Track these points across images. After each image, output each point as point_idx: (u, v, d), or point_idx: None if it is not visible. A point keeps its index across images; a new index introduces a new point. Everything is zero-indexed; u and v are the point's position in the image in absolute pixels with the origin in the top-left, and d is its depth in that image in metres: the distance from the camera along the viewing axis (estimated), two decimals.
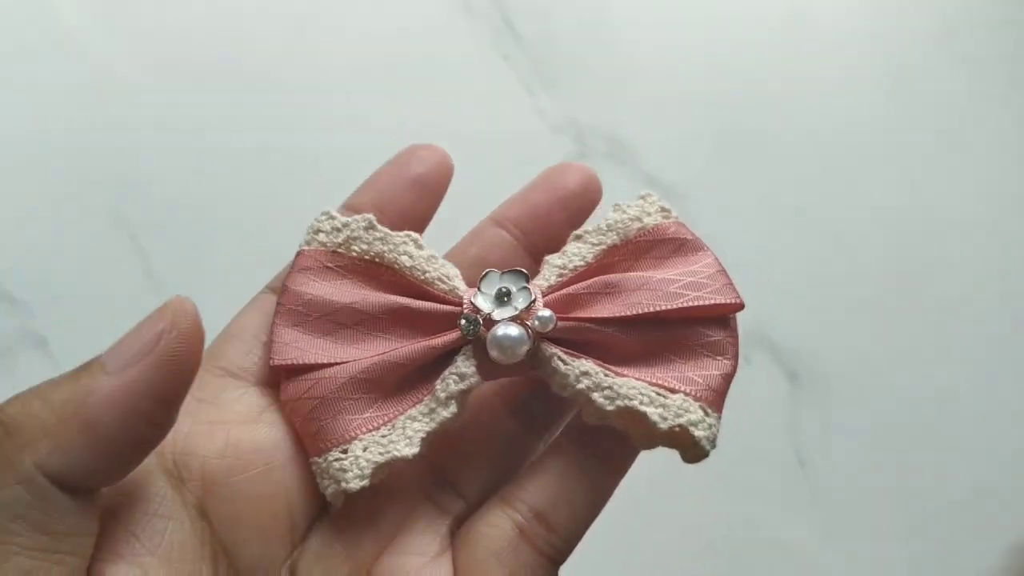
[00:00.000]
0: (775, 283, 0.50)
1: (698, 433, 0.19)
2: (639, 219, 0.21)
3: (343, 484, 0.19)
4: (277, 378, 0.21)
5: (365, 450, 0.19)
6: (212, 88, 0.54)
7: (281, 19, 0.55)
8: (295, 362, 0.20)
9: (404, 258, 0.21)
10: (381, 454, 0.19)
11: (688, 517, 0.47)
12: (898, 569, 0.47)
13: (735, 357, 0.20)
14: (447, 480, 0.21)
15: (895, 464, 0.48)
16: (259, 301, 0.22)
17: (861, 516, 0.47)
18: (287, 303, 0.21)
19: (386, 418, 0.20)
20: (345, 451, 0.19)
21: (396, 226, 0.22)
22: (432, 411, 0.20)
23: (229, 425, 0.20)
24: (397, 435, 0.20)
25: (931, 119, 0.55)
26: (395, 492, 0.21)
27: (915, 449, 0.49)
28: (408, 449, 0.19)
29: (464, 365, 0.20)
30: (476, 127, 0.53)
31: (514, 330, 0.20)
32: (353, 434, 0.20)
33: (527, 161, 0.55)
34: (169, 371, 0.17)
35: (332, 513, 0.20)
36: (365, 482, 0.19)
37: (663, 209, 0.21)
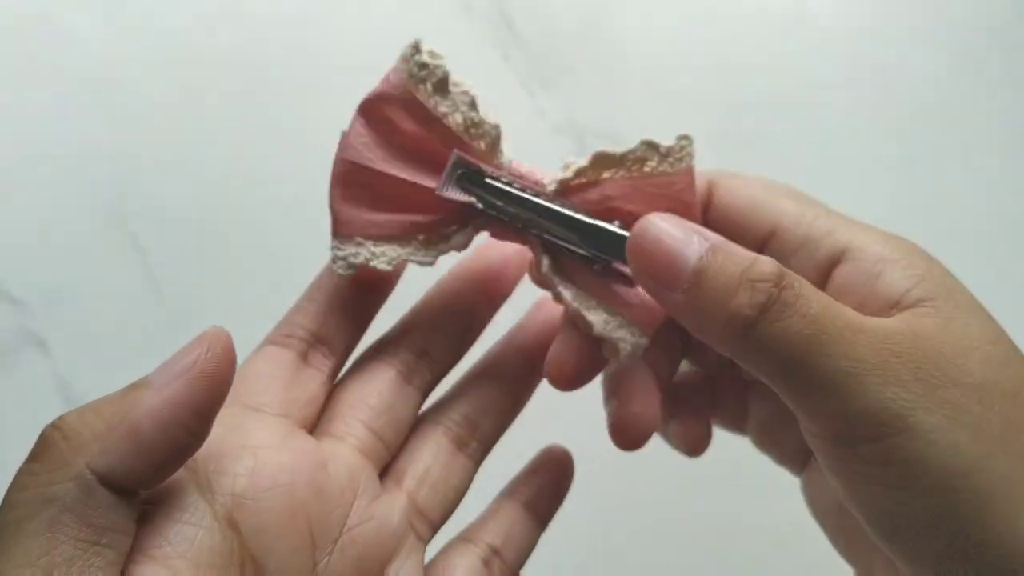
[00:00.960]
0: None
1: (622, 343, 0.25)
2: (676, 156, 0.26)
3: (335, 264, 0.25)
4: (293, 409, 0.25)
5: (361, 246, 0.25)
6: (212, 88, 0.54)
7: (281, 20, 0.55)
8: (353, 160, 0.25)
9: (455, 115, 0.25)
10: (367, 258, 0.25)
11: (698, 516, 0.48)
12: None
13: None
14: (420, 511, 0.26)
15: None
16: (262, 352, 0.26)
17: None
18: (369, 106, 0.25)
19: (389, 232, 0.25)
20: (343, 243, 0.25)
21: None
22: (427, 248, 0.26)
23: (256, 449, 0.23)
24: (388, 252, 0.25)
25: (931, 119, 0.55)
26: (392, 517, 0.25)
27: None
28: (427, 259, 0.25)
29: (464, 233, 0.26)
30: None
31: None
32: (359, 232, 0.25)
33: (527, 161, 0.55)
34: (204, 387, 0.20)
35: (352, 534, 0.24)
36: (352, 271, 0.25)
37: (690, 157, 0.26)
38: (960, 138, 0.55)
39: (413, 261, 0.25)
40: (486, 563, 0.26)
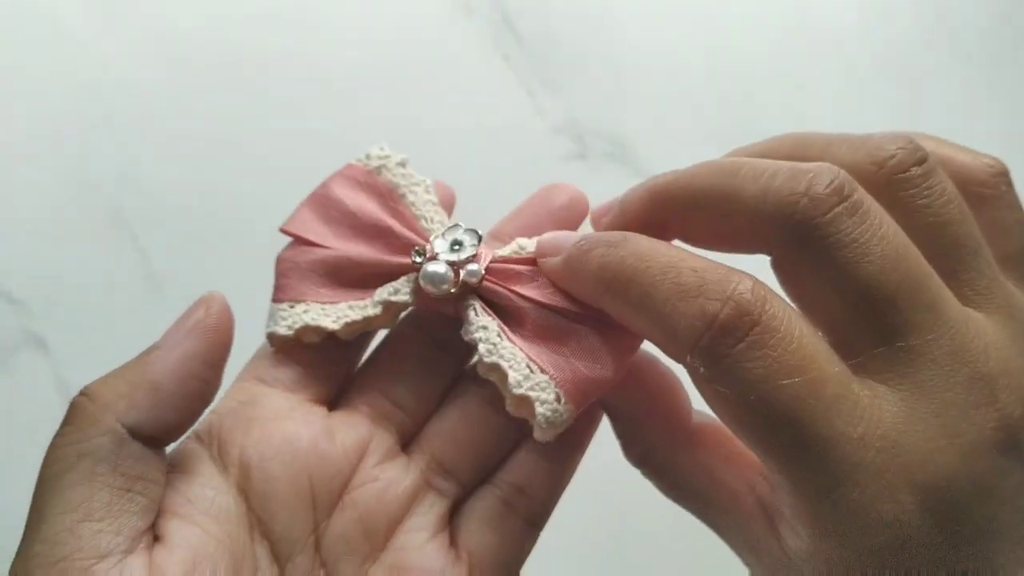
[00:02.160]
0: (774, 282, 0.50)
1: (540, 410, 0.23)
2: None
3: (274, 327, 0.25)
4: (308, 384, 0.26)
5: (305, 312, 0.25)
6: (212, 87, 0.54)
7: (281, 19, 0.55)
8: (297, 233, 0.26)
9: (410, 195, 0.26)
10: (311, 319, 0.25)
11: None
12: None
13: (613, 371, 0.23)
14: (445, 469, 0.25)
15: None
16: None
17: None
18: (319, 193, 0.27)
19: (333, 300, 0.25)
20: (292, 306, 0.25)
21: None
22: (364, 308, 0.25)
23: (263, 421, 0.24)
24: (331, 313, 0.25)
25: (931, 119, 0.55)
26: (403, 479, 0.25)
27: None
28: (332, 325, 0.25)
29: (401, 284, 0.25)
30: (476, 127, 0.53)
31: (441, 268, 0.24)
32: (303, 297, 0.25)
33: (527, 161, 0.55)
34: (210, 340, 0.23)
35: (353, 495, 0.24)
36: (291, 333, 0.25)
37: None
38: (960, 136, 0.55)
39: (359, 319, 0.25)
40: (508, 504, 0.25)
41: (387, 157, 0.27)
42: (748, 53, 0.55)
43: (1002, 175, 0.23)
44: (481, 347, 0.23)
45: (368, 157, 0.27)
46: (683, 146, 0.54)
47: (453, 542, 0.24)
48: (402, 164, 0.27)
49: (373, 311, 0.25)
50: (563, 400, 0.23)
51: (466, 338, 0.24)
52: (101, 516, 0.20)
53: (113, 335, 0.51)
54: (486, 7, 0.55)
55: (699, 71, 0.55)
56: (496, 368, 0.23)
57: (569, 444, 0.26)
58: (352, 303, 0.25)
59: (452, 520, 0.25)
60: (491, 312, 0.24)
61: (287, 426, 0.24)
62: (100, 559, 0.20)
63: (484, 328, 0.24)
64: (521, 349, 0.23)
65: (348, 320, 0.25)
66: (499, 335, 0.23)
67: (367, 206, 0.26)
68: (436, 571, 0.24)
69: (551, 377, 0.23)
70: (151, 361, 0.22)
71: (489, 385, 0.24)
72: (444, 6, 0.55)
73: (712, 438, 0.24)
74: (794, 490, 0.19)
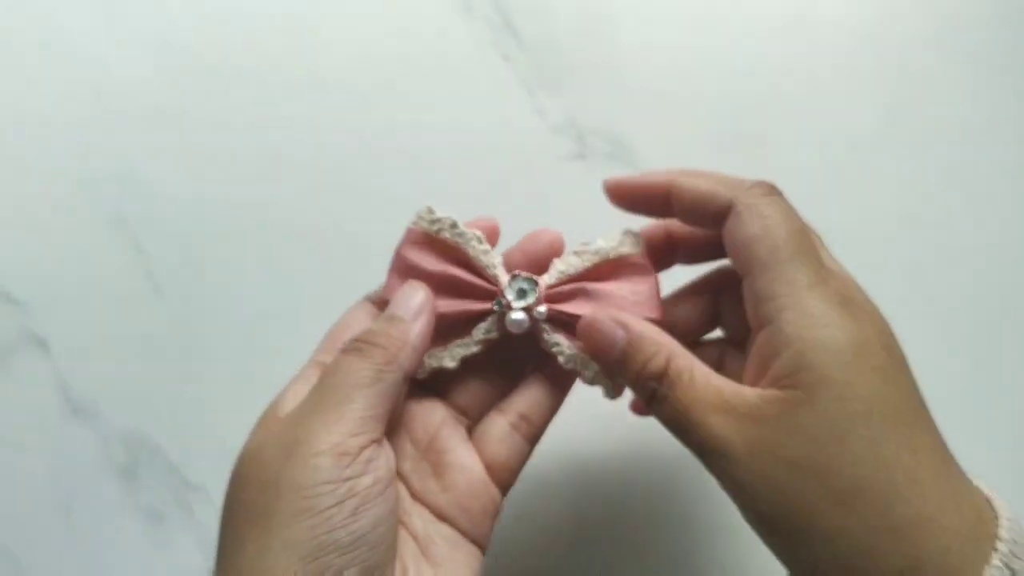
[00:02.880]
0: None
1: (606, 390, 0.35)
2: (618, 248, 0.35)
3: (418, 375, 0.34)
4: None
5: (429, 358, 0.34)
6: (212, 88, 0.54)
7: (281, 19, 0.55)
8: None
9: (470, 248, 0.34)
10: (436, 363, 0.34)
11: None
12: None
13: None
14: (459, 408, 0.36)
15: None
16: (360, 306, 0.35)
17: None
18: (399, 264, 0.35)
19: (443, 344, 0.34)
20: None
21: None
22: (467, 345, 0.34)
23: None
24: (447, 354, 0.34)
25: (931, 120, 0.55)
26: (431, 412, 0.35)
27: None
28: (451, 364, 0.34)
29: (489, 324, 0.34)
30: (476, 127, 0.53)
31: (521, 315, 0.34)
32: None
33: (527, 161, 0.55)
34: (431, 319, 0.33)
35: (401, 420, 0.34)
36: (426, 376, 0.34)
37: (636, 243, 0.35)
38: (961, 138, 0.55)
39: (468, 354, 0.34)
40: (514, 427, 0.34)
41: (439, 220, 0.34)
42: (748, 53, 0.55)
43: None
44: (560, 358, 0.34)
45: (421, 218, 0.35)
46: (683, 146, 0.54)
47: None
48: (454, 225, 0.34)
49: (475, 348, 0.34)
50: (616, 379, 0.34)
51: (547, 350, 0.34)
52: (380, 418, 0.30)
53: (113, 335, 0.51)
54: (486, 7, 0.55)
55: (699, 71, 0.55)
56: (573, 369, 0.34)
57: (558, 387, 0.36)
58: (458, 343, 0.34)
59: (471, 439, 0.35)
60: (558, 328, 0.34)
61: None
62: (374, 442, 0.29)
63: (558, 344, 0.34)
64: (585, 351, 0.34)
65: (461, 356, 0.34)
66: (570, 346, 0.34)
67: (443, 267, 0.34)
68: (468, 466, 0.33)
69: None
70: (408, 329, 0.32)
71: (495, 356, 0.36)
72: (444, 6, 0.55)
73: None
74: (789, 289, 0.30)
